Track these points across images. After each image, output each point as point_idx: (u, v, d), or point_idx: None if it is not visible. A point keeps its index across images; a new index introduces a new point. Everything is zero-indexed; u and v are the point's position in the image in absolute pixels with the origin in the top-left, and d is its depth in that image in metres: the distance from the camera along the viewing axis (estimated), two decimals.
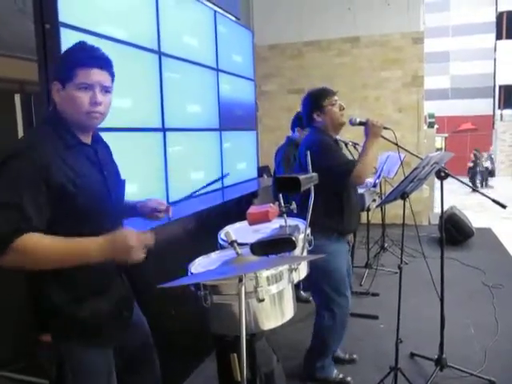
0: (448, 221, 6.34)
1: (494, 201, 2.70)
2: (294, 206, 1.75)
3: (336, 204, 2.56)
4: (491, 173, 16.66)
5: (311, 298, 3.56)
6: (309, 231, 2.01)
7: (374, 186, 4.44)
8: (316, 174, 1.73)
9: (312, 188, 1.71)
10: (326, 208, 2.52)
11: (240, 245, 1.86)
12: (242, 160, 4.94)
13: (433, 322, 3.25)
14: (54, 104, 1.47)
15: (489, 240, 6.83)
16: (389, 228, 6.05)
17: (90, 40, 1.54)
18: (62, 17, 2.53)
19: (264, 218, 1.66)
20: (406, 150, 2.82)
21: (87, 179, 1.44)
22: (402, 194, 2.39)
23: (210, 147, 4.24)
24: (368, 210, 4.35)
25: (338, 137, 3.38)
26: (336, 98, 2.69)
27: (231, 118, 4.64)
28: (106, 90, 1.47)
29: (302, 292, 4.24)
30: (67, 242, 1.33)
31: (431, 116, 11.82)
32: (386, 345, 3.17)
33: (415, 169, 2.32)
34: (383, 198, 2.59)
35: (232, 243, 1.43)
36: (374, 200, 4.28)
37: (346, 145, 3.60)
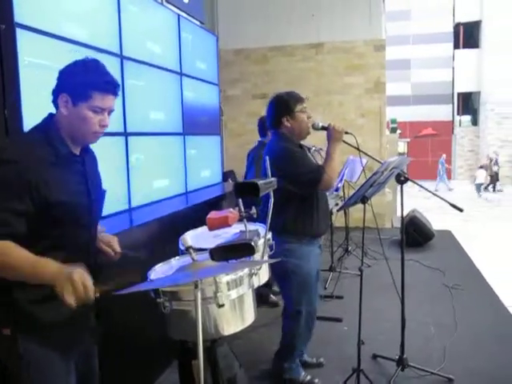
0: (409, 224, 6.49)
1: (451, 205, 2.79)
2: (254, 210, 1.75)
3: (307, 208, 2.59)
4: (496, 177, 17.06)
5: (281, 302, 3.57)
6: (269, 236, 2.01)
7: (337, 189, 4.50)
8: (275, 180, 1.73)
9: (271, 193, 1.72)
10: (298, 212, 2.55)
11: (200, 250, 1.85)
12: (207, 165, 4.93)
13: (394, 323, 3.31)
14: (51, 114, 1.51)
15: (449, 242, 7.04)
16: (352, 231, 6.15)
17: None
18: (18, 17, 2.46)
19: (223, 223, 1.66)
20: (366, 155, 2.87)
21: (71, 191, 1.46)
22: (362, 198, 2.43)
23: (174, 153, 4.21)
24: (331, 213, 4.40)
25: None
26: (304, 104, 2.71)
27: (195, 124, 4.61)
28: (111, 111, 1.54)
29: (271, 296, 4.25)
30: (29, 260, 1.34)
31: (393, 121, 12.08)
32: (349, 347, 3.20)
33: (374, 173, 2.36)
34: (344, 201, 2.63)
35: (188, 249, 1.41)
36: (337, 204, 4.33)
37: (309, 150, 3.64)
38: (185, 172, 4.39)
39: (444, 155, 19.21)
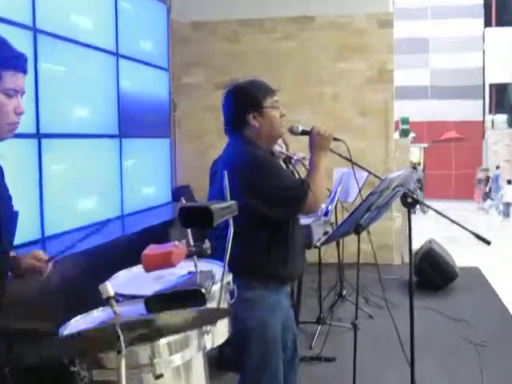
0: (425, 259, 6.59)
1: (476, 236, 2.85)
2: (207, 245, 1.76)
3: (279, 240, 2.58)
4: None
5: None
6: (229, 278, 2.02)
7: (326, 213, 4.54)
8: (235, 203, 1.74)
9: (231, 221, 1.73)
10: (263, 246, 2.53)
11: (134, 298, 1.84)
12: (151, 179, 4.92)
13: None
14: None
15: (476, 283, 7.14)
16: (349, 269, 6.19)
17: None
18: None
19: (165, 262, 1.66)
20: (361, 168, 2.92)
21: None
22: (355, 226, 2.46)
23: (106, 163, 4.18)
24: (318, 246, 4.44)
25: (278, 148, 3.41)
26: (276, 97, 2.73)
27: (136, 123, 4.65)
28: (23, 94, 1.60)
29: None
30: None
31: (405, 121, 12.30)
32: None
33: (370, 194, 2.40)
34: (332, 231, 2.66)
35: (108, 300, 1.41)
36: (326, 232, 4.37)
37: (290, 160, 3.69)
38: (120, 188, 4.38)
39: (498, 167, 19.34)
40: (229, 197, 1.78)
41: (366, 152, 7.87)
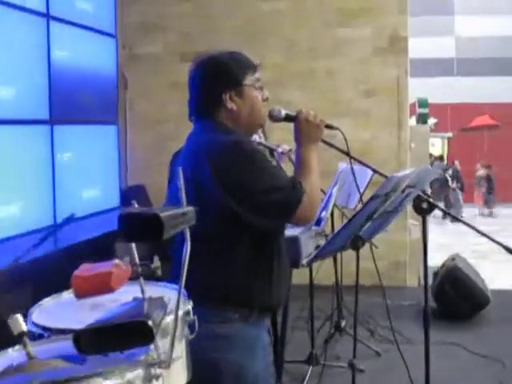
0: (447, 281, 6.63)
1: (510, 251, 2.87)
2: (157, 263, 1.75)
3: (261, 258, 2.57)
4: None
5: None
6: (189, 307, 2.01)
7: (318, 223, 4.54)
8: (192, 210, 1.73)
9: (187, 233, 1.72)
10: (243, 265, 2.53)
11: (60, 332, 1.83)
12: (93, 178, 4.88)
13: None
14: None
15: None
16: (349, 293, 6.20)
17: None
18: None
19: (102, 286, 1.65)
20: (362, 164, 2.94)
21: None
22: (352, 240, 2.47)
23: (33, 157, 4.14)
24: (309, 265, 4.43)
25: (256, 137, 3.41)
26: (258, 75, 2.73)
27: (73, 105, 4.63)
28: None
29: None
30: None
31: (423, 103, 12.28)
32: None
33: (372, 198, 2.41)
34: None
35: (20, 336, 1.40)
36: (318, 246, 4.37)
37: (272, 152, 3.70)
38: (52, 190, 4.34)
39: None
40: (185, 201, 1.77)
41: (372, 143, 7.92)
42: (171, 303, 1.90)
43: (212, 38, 8.00)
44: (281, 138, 3.80)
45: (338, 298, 5.92)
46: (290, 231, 3.73)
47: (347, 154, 2.81)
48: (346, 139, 2.77)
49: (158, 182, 4.81)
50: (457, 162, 21.24)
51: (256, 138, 4.23)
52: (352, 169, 2.91)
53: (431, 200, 2.84)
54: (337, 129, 2.79)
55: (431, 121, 16.55)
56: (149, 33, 8.22)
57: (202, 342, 2.19)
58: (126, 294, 1.86)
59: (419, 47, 16.97)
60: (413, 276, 8.25)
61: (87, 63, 4.85)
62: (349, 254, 5.43)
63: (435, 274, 6.89)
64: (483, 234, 2.91)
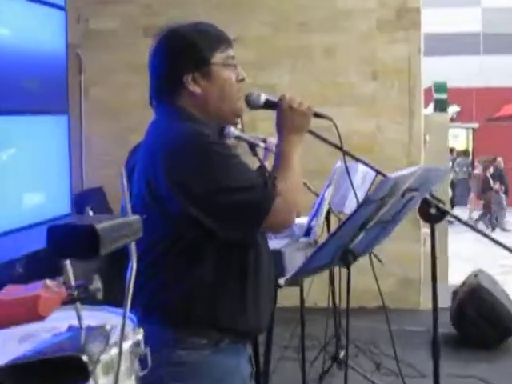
0: (469, 301, 6.63)
1: None
2: (96, 285, 1.75)
3: (231, 273, 2.58)
4: None
5: None
6: (139, 337, 2.01)
7: (308, 232, 4.55)
8: (138, 220, 1.73)
9: (132, 248, 1.72)
10: (208, 282, 2.53)
11: None
12: (37, 181, 4.85)
13: None
14: None
15: None
16: (352, 316, 6.19)
17: None
18: None
19: (29, 313, 1.65)
20: (358, 161, 2.94)
21: None
22: (342, 254, 2.48)
23: None
24: (300, 284, 4.42)
25: (232, 129, 3.41)
26: (232, 52, 2.73)
27: (11, 91, 4.65)
28: None
29: None
30: None
31: (441, 88, 12.32)
32: None
33: (364, 203, 2.41)
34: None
35: None
36: None
37: (253, 147, 3.70)
38: None
39: None
40: (130, 208, 1.77)
41: (378, 136, 7.95)
42: (114, 331, 1.90)
43: (181, 8, 8.01)
44: (270, 131, 3.77)
45: (335, 322, 5.89)
46: (271, 243, 3.74)
47: (340, 148, 2.80)
48: (338, 130, 2.76)
49: (118, 182, 4.78)
50: (500, 160, 21.05)
51: (231, 129, 4.24)
52: (346, 167, 2.92)
53: (441, 205, 2.84)
54: (327, 118, 2.78)
55: (453, 109, 16.60)
56: (106, 4, 8.26)
57: (161, 371, 2.20)
58: (62, 321, 1.86)
59: (436, 20, 17.02)
60: (428, 296, 8.26)
61: (30, 41, 4.83)
62: (354, 269, 5.45)
63: (454, 294, 6.89)
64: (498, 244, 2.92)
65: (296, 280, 2.60)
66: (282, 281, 2.60)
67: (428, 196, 2.81)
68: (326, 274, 5.30)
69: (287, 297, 4.97)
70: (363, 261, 5.63)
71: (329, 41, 8.15)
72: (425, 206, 2.81)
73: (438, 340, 3.06)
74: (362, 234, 2.56)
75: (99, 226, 1.54)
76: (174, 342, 2.50)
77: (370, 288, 7.96)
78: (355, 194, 3.24)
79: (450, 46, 22.38)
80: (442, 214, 2.84)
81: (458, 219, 2.98)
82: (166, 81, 2.64)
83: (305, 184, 3.98)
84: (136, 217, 1.72)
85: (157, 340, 2.41)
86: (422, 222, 7.75)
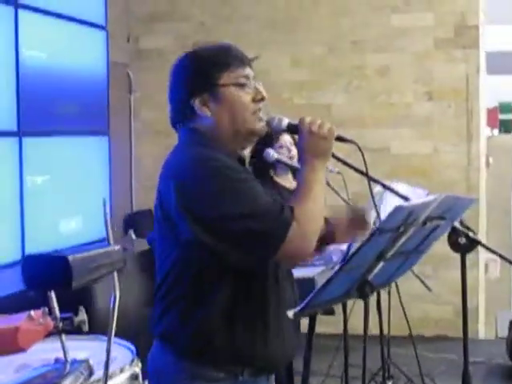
0: None
1: None
2: (82, 316, 1.73)
3: (244, 303, 2.55)
4: None
5: None
6: (136, 370, 1.99)
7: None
8: (119, 250, 1.71)
9: (115, 279, 1.70)
10: (221, 312, 2.51)
11: None
12: (75, 205, 4.89)
13: None
14: None
15: None
16: (399, 346, 6.11)
17: None
18: None
19: (8, 345, 1.64)
20: (388, 189, 2.89)
21: None
22: (359, 286, 2.44)
23: None
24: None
25: (271, 152, 3.37)
26: (249, 72, 2.70)
27: (47, 113, 4.73)
28: None
29: None
30: None
31: (506, 108, 12.09)
32: None
33: (374, 233, 2.35)
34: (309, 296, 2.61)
35: None
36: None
37: (293, 171, 3.68)
38: (21, 222, 4.43)
39: None
40: (111, 238, 1.75)
41: (435, 158, 7.86)
42: (117, 362, 1.89)
43: (235, 26, 8.05)
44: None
45: (382, 352, 5.79)
46: (304, 271, 3.69)
47: (365, 174, 2.74)
48: (363, 154, 2.67)
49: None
50: None
51: (271, 152, 4.21)
52: (371, 193, 2.84)
53: (471, 234, 2.78)
54: (351, 142, 2.71)
55: None
56: (156, 22, 8.36)
57: None
58: (47, 353, 1.85)
59: (503, 38, 16.78)
60: (487, 326, 8.12)
61: (68, 64, 4.87)
62: (406, 288, 5.35)
63: (511, 324, 6.76)
64: None
65: (305, 313, 2.54)
66: (290, 313, 2.53)
67: (457, 224, 2.75)
68: (372, 300, 5.22)
69: (329, 322, 4.94)
70: (418, 289, 5.59)
71: (383, 60, 8.10)
72: (453, 235, 2.75)
73: (469, 374, 2.98)
74: (380, 265, 2.51)
75: (73, 257, 1.52)
76: (190, 375, 2.48)
77: (423, 315, 7.92)
78: (379, 219, 3.20)
79: None
80: (473, 243, 2.78)
81: (488, 248, 2.91)
82: (179, 105, 2.62)
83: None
84: (117, 247, 1.70)
85: (173, 372, 2.39)
86: (479, 247, 7.62)
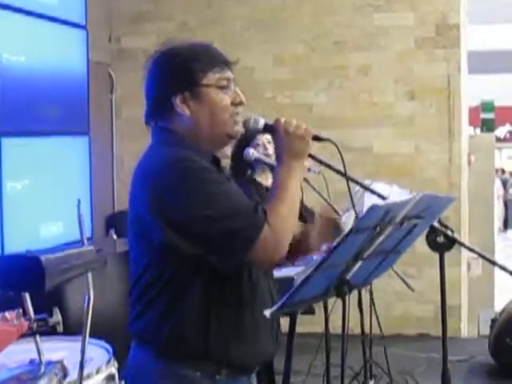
0: (507, 330, 6.50)
1: None
2: (57, 318, 1.73)
3: (224, 304, 2.54)
4: None
5: None
6: (112, 370, 1.99)
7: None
8: (91, 250, 1.71)
9: (89, 279, 1.70)
10: (196, 312, 2.50)
11: None
12: (55, 208, 4.87)
13: None
14: None
15: None
16: (381, 344, 6.12)
17: None
18: None
19: None
20: (361, 186, 2.88)
21: None
22: (337, 284, 2.43)
23: None
24: (326, 311, 4.35)
25: (251, 151, 3.35)
26: (229, 75, 2.69)
27: (32, 116, 4.73)
28: None
29: None
30: None
31: (488, 107, 12.13)
32: None
33: (350, 232, 2.35)
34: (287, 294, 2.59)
35: None
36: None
37: (273, 169, 3.68)
38: (0, 228, 4.41)
39: None
40: (85, 239, 1.74)
41: (417, 157, 7.86)
42: (93, 363, 1.88)
43: (218, 26, 8.03)
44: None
45: (364, 351, 5.78)
46: (284, 270, 3.68)
47: (343, 174, 2.73)
48: (341, 153, 2.66)
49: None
50: None
51: (250, 152, 4.21)
52: (350, 194, 2.83)
53: (449, 233, 2.78)
54: (329, 141, 2.69)
55: (504, 128, 16.36)
56: (139, 22, 8.30)
57: None
58: (22, 354, 1.84)
59: (485, 36, 16.81)
60: (471, 324, 8.13)
61: (47, 65, 4.87)
62: (384, 290, 5.35)
63: (493, 322, 6.76)
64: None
65: (280, 311, 2.52)
66: (267, 312, 2.52)
67: (436, 223, 2.75)
68: (353, 299, 5.20)
69: (313, 321, 4.92)
70: (401, 287, 5.59)
71: (364, 60, 8.12)
72: (432, 234, 2.74)
73: (449, 373, 2.96)
74: (358, 264, 2.50)
75: (46, 258, 1.51)
76: (167, 375, 2.48)
77: (407, 314, 7.94)
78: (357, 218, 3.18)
79: (498, 64, 22.13)
80: (451, 242, 2.77)
81: (466, 247, 2.91)
82: (157, 103, 2.60)
83: (333, 208, 3.95)
84: (90, 248, 1.69)
85: (151, 371, 2.39)
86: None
